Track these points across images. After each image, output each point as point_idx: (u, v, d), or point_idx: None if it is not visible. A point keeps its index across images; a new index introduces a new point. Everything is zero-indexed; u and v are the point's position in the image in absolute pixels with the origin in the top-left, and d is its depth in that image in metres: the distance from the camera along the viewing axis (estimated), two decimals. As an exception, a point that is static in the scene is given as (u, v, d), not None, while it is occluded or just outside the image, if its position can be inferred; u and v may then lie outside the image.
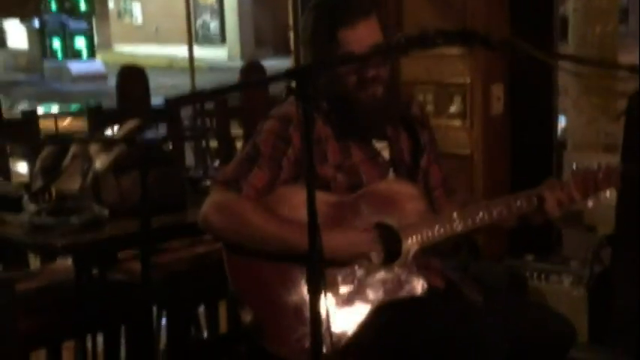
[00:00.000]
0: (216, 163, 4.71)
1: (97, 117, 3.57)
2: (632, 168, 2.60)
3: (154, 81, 3.99)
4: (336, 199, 2.44)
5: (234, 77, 6.35)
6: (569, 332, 2.53)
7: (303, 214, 1.98)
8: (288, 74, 1.93)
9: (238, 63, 20.87)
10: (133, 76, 3.72)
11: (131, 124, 2.99)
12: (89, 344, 3.45)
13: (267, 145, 2.44)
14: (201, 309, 3.95)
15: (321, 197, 2.34)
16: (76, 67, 20.56)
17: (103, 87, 18.98)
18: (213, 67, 21.80)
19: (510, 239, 3.99)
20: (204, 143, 5.17)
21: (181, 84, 17.74)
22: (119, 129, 3.10)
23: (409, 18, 3.72)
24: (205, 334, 3.96)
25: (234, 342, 3.64)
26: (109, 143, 2.86)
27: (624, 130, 3.54)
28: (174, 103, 2.93)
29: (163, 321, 3.73)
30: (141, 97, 3.67)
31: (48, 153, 3.09)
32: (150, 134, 2.66)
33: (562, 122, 4.81)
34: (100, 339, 3.42)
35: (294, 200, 2.38)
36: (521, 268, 3.79)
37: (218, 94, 2.63)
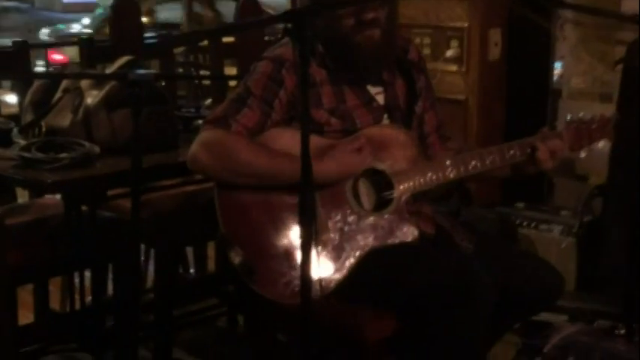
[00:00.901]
0: (209, 101, 4.67)
1: (90, 50, 3.51)
2: (625, 119, 2.58)
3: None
4: (328, 142, 2.41)
5: (229, 8, 6.27)
6: (558, 282, 2.54)
7: (294, 151, 1.97)
8: (285, 16, 1.90)
9: None
10: (126, 10, 3.65)
11: (124, 59, 2.95)
12: (76, 280, 3.45)
13: (259, 86, 2.41)
14: (190, 249, 3.96)
15: (314, 141, 2.32)
16: (66, -5, 20.28)
17: (94, 16, 18.76)
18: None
19: (502, 187, 3.98)
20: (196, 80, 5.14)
21: (174, 17, 17.57)
22: (112, 64, 3.05)
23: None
24: (193, 274, 3.97)
25: (222, 282, 3.65)
26: (100, 79, 2.81)
27: (621, 80, 3.51)
28: (169, 43, 2.89)
29: (151, 259, 3.74)
30: (134, 32, 3.61)
31: (38, 87, 3.04)
32: (142, 71, 2.61)
33: (559, 69, 4.77)
34: (87, 275, 3.42)
35: (285, 141, 2.37)
36: (512, 215, 3.80)
37: (213, 34, 2.59)
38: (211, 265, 3.93)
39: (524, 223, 3.76)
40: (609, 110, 3.50)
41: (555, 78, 4.18)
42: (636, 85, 3.30)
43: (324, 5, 2.34)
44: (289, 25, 1.87)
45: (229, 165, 2.34)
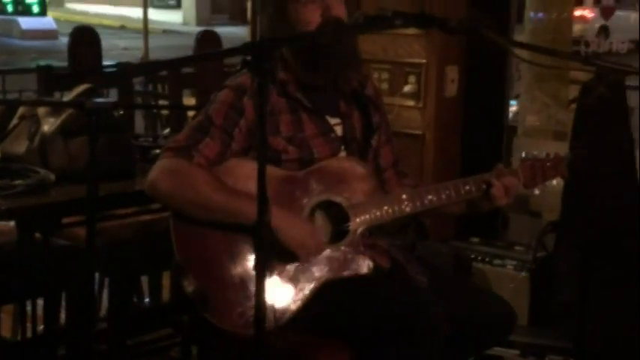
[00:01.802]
0: (167, 130, 4.67)
1: (47, 78, 3.50)
2: (578, 158, 2.63)
3: (106, 42, 3.93)
4: (285, 174, 2.43)
5: (188, 42, 6.30)
6: (510, 317, 2.57)
7: (252, 186, 1.98)
8: (244, 48, 1.91)
9: (193, 28, 20.73)
10: (85, 38, 3.65)
11: (82, 87, 2.94)
12: (28, 308, 3.41)
13: (220, 115, 2.42)
14: (145, 278, 3.93)
15: (271, 172, 2.33)
16: (26, 22, 20.15)
17: (54, 44, 18.68)
18: (167, 31, 21.58)
19: (457, 222, 4.02)
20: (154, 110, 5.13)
21: (133, 46, 17.55)
22: (69, 92, 3.04)
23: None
24: (147, 303, 3.95)
25: (177, 311, 3.63)
26: (58, 107, 2.81)
27: (574, 120, 3.57)
28: (128, 72, 2.89)
29: (105, 287, 3.71)
30: (93, 60, 3.61)
31: (-6, 113, 3.03)
32: (100, 99, 2.61)
33: (515, 106, 4.85)
34: (40, 303, 3.39)
35: (243, 172, 2.37)
36: (467, 250, 3.83)
37: (173, 65, 2.60)
38: (166, 294, 3.91)
39: (479, 258, 3.79)
40: (563, 148, 3.57)
41: (511, 115, 4.26)
42: (588, 124, 3.36)
43: (281, 41, 2.37)
44: (248, 58, 1.88)
45: (188, 196, 2.33)
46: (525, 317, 3.62)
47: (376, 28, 2.22)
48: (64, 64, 4.11)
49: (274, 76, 2.45)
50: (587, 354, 3.18)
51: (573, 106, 3.81)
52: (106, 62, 3.99)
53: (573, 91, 3.98)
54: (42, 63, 3.86)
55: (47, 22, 20.82)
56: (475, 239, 3.88)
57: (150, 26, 10.01)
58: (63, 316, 3.38)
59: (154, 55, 9.80)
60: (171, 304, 3.77)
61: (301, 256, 2.36)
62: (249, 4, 4.37)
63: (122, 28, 22.17)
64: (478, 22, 2.29)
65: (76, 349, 3.19)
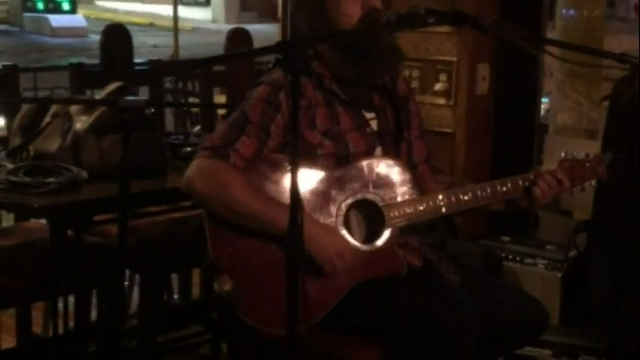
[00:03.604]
0: (197, 128, 4.67)
1: (79, 76, 3.51)
2: (619, 159, 2.60)
3: (136, 39, 3.94)
4: (321, 172, 2.42)
5: (217, 40, 6.31)
6: (542, 317, 2.55)
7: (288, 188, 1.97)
8: (276, 47, 1.91)
9: (222, 26, 20.76)
10: (117, 36, 3.66)
11: (113, 85, 2.95)
12: (60, 304, 3.44)
13: (256, 111, 2.41)
14: (175, 275, 3.94)
15: (307, 170, 2.36)
16: (56, 20, 20.28)
17: (84, 41, 18.79)
18: (196, 29, 21.64)
19: (488, 220, 4.00)
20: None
21: (163, 44, 17.61)
22: (101, 90, 3.05)
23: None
24: (177, 300, 3.96)
25: (207, 309, 3.65)
26: (90, 105, 2.82)
27: (606, 119, 3.54)
28: (162, 71, 2.90)
29: (135, 284, 3.73)
30: (124, 58, 3.61)
31: (27, 111, 3.04)
32: (132, 97, 2.61)
33: (546, 104, 4.82)
34: (71, 300, 3.41)
35: (282, 171, 2.37)
36: (497, 249, 3.81)
37: (203, 64, 2.60)
38: (196, 292, 3.92)
39: (510, 257, 3.78)
40: (595, 146, 3.54)
41: (542, 113, 4.23)
42: (621, 123, 3.33)
43: (315, 39, 2.36)
44: (280, 56, 1.88)
45: (222, 198, 2.33)
46: (557, 317, 3.60)
47: (409, 26, 2.20)
48: (95, 61, 4.13)
49: (310, 69, 2.44)
50: (619, 354, 3.14)
51: (605, 103, 3.77)
52: (136, 60, 3.99)
53: (605, 89, 3.94)
54: (73, 60, 3.88)
55: (77, 19, 20.96)
56: (506, 238, 3.87)
57: (179, 24, 10.03)
58: (94, 312, 3.39)
59: (183, 53, 9.84)
60: (201, 302, 3.79)
61: (327, 270, 2.35)
62: (280, 2, 4.35)
63: (151, 25, 22.24)
64: (510, 22, 2.27)
65: (107, 345, 3.21)
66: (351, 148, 2.46)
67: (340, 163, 2.44)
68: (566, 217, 3.94)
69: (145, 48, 16.73)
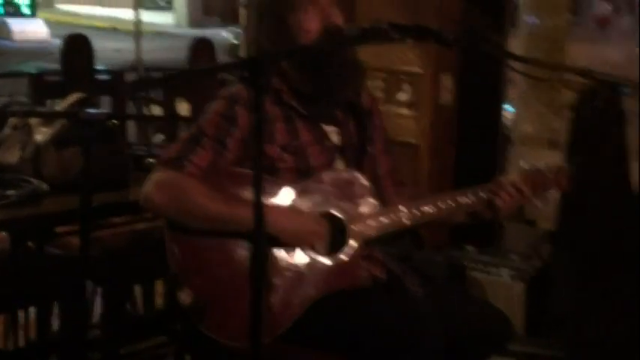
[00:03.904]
0: (159, 137, 4.64)
1: (40, 86, 3.48)
2: (579, 170, 2.62)
3: (98, 44, 3.90)
4: (283, 187, 2.41)
5: (180, 45, 6.27)
6: (506, 328, 2.56)
7: (249, 197, 1.96)
8: (242, 63, 1.90)
9: (185, 30, 20.67)
10: (78, 46, 3.63)
11: (75, 96, 2.93)
12: (20, 316, 3.39)
13: (212, 125, 2.41)
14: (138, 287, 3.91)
15: (269, 186, 2.34)
16: (16, 24, 20.09)
17: (44, 46, 18.62)
18: (159, 33, 21.54)
19: (452, 229, 4.01)
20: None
21: (125, 48, 17.50)
22: (62, 101, 3.03)
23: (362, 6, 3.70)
24: (141, 311, 3.92)
25: (170, 319, 3.61)
26: (51, 117, 2.79)
27: (570, 130, 3.56)
28: (127, 88, 2.87)
29: (97, 294, 3.69)
30: (85, 68, 3.59)
31: (-14, 122, 3.01)
32: (93, 110, 2.59)
33: (509, 112, 4.82)
34: (32, 312, 3.36)
35: (240, 185, 2.35)
36: (462, 258, 3.83)
37: (168, 81, 2.58)
38: (159, 301, 3.88)
39: (474, 267, 3.79)
40: (557, 157, 3.57)
41: (506, 122, 4.24)
42: (584, 134, 3.36)
43: (278, 55, 2.36)
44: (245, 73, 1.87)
45: (183, 207, 2.32)
46: (522, 326, 3.61)
47: (373, 41, 2.20)
48: (55, 66, 4.09)
49: (269, 84, 2.43)
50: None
51: (567, 110, 3.79)
52: (98, 65, 3.95)
53: (565, 95, 3.96)
54: (33, 65, 3.84)
55: (38, 23, 20.76)
56: (470, 248, 3.89)
57: (141, 28, 9.95)
58: (56, 324, 3.35)
59: (146, 57, 9.76)
60: (164, 313, 3.76)
61: (306, 243, 2.35)
62: (240, 9, 4.31)
63: (113, 29, 22.11)
64: (475, 34, 2.28)
65: (69, 357, 3.17)
66: (311, 161, 2.46)
67: (301, 176, 2.44)
68: (530, 226, 3.96)
69: (107, 52, 16.61)
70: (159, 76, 1.78)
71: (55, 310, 3.33)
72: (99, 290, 3.64)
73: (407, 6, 3.84)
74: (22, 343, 3.41)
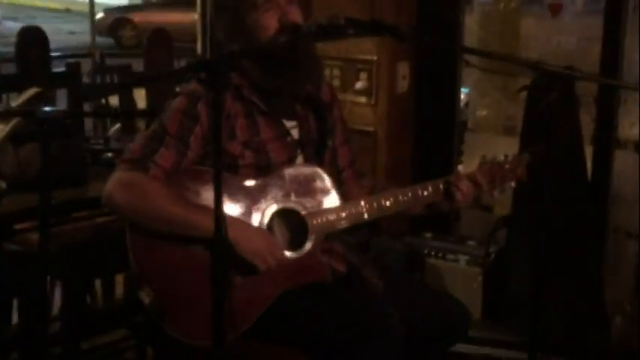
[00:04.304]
0: (117, 126, 4.61)
1: (-6, 80, 3.45)
2: (536, 160, 2.66)
3: (52, 26, 3.87)
4: (243, 182, 2.42)
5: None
6: (464, 317, 2.60)
7: (210, 196, 1.97)
8: (198, 65, 1.90)
9: (139, 11, 20.41)
10: (32, 38, 3.60)
11: (31, 91, 2.91)
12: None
13: (174, 123, 2.40)
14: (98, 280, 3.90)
15: (229, 180, 2.35)
16: (-32, 6, 19.79)
17: (-3, 28, 18.36)
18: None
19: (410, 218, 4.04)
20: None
21: (79, 30, 17.31)
22: (18, 96, 3.00)
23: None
24: (101, 305, 3.92)
25: (131, 312, 3.61)
26: (7, 116, 2.77)
27: (524, 117, 3.61)
28: (88, 92, 2.86)
29: (56, 287, 3.68)
30: (41, 60, 3.56)
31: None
32: (50, 108, 2.58)
33: (465, 94, 4.86)
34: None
35: (202, 181, 2.37)
36: (420, 245, 3.86)
37: (126, 86, 2.57)
38: (119, 291, 3.88)
39: (432, 253, 3.83)
40: (513, 144, 3.61)
41: (462, 105, 4.28)
42: (539, 122, 3.40)
43: (235, 54, 2.36)
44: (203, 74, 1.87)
45: (144, 209, 2.32)
46: (479, 312, 3.66)
47: (329, 38, 2.21)
48: (10, 49, 4.04)
49: (229, 79, 2.43)
50: (539, 347, 3.22)
51: (522, 95, 3.83)
52: (52, 49, 3.90)
53: (520, 82, 4.00)
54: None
55: (-10, 5, 20.45)
56: (428, 234, 3.92)
57: (96, 9, 9.86)
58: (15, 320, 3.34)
59: (100, 41, 9.67)
60: (125, 305, 3.76)
61: (260, 267, 2.36)
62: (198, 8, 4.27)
63: (67, 11, 21.85)
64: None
65: (30, 353, 3.16)
66: (272, 158, 2.47)
67: (261, 173, 2.45)
68: (486, 212, 4.01)
69: (62, 35, 16.42)
70: (116, 82, 1.77)
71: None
72: (58, 284, 3.64)
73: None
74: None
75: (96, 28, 9.50)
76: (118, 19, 17.40)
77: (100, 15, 16.11)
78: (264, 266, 2.36)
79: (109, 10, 17.65)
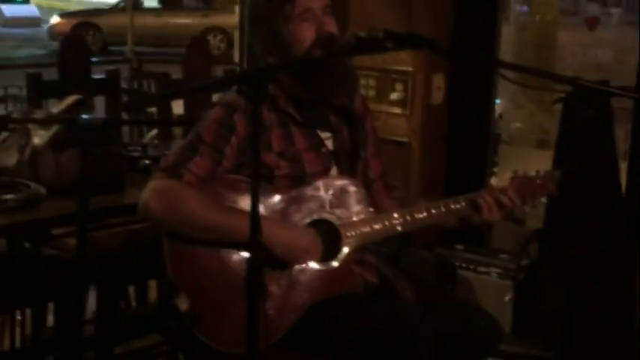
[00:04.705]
0: (153, 132, 4.65)
1: (37, 87, 3.50)
2: (568, 177, 2.66)
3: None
4: (278, 194, 2.44)
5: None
6: (496, 332, 2.60)
7: (246, 205, 2.00)
8: (240, 77, 1.93)
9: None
10: (74, 46, 3.66)
11: (71, 98, 2.95)
12: (17, 317, 3.42)
13: (210, 133, 2.43)
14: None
15: (264, 190, 2.36)
16: (9, 9, 20.05)
17: (37, 31, 18.58)
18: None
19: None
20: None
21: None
22: (59, 102, 3.05)
23: (356, 8, 3.72)
24: (135, 309, 3.96)
25: (163, 318, 3.64)
26: (48, 124, 2.81)
27: (558, 132, 3.60)
28: (131, 105, 2.90)
29: (90, 291, 3.71)
30: (81, 68, 3.61)
31: (-17, 125, 3.03)
32: (90, 116, 2.62)
33: (499, 104, 4.86)
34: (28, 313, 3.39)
35: (238, 191, 2.39)
36: (451, 257, 3.86)
37: (167, 98, 2.61)
38: (152, 296, 3.92)
39: (463, 265, 3.82)
40: (547, 157, 3.60)
41: (496, 116, 4.28)
42: (573, 138, 3.40)
43: (276, 68, 2.39)
44: (243, 87, 1.90)
45: (179, 215, 2.35)
46: (509, 325, 3.66)
47: (369, 52, 2.24)
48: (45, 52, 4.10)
49: (265, 95, 2.46)
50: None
51: (556, 108, 3.82)
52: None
53: (555, 94, 3.99)
54: (26, 51, 3.87)
55: (30, 9, 20.74)
56: (460, 246, 3.91)
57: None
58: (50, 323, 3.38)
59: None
60: (158, 311, 3.79)
61: (299, 260, 2.38)
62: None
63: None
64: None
65: (64, 356, 3.19)
66: (307, 168, 2.49)
67: (296, 183, 2.47)
68: (518, 225, 4.00)
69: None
70: (156, 94, 1.81)
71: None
72: (92, 289, 3.68)
73: (401, 4, 3.87)
74: (18, 343, 3.45)
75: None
76: (81, 23, 16.42)
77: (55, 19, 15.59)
78: (302, 258, 2.39)
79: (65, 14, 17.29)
